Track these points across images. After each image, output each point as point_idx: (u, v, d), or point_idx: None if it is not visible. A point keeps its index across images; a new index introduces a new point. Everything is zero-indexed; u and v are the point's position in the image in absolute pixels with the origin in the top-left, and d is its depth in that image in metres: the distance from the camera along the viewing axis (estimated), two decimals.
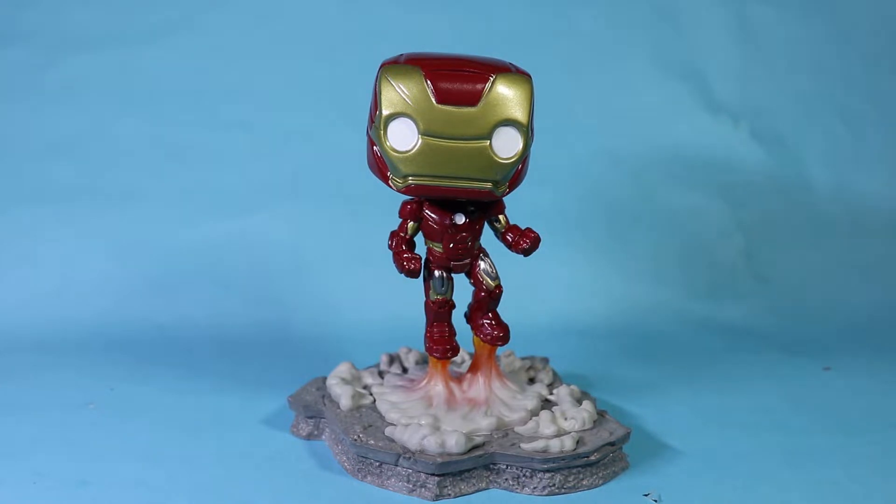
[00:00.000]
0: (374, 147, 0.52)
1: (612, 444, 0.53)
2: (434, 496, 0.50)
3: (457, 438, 0.50)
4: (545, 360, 0.64)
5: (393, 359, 0.63)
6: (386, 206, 0.60)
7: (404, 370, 0.62)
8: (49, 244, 0.79)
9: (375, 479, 0.51)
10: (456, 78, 0.50)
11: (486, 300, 0.55)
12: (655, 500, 0.50)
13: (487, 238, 0.55)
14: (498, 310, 0.56)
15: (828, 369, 0.72)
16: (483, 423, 0.53)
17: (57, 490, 0.49)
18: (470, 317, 0.57)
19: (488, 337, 0.56)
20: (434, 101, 0.50)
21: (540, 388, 0.59)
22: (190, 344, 0.73)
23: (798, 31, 0.92)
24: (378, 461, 0.51)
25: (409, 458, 0.50)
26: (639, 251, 0.86)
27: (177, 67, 0.84)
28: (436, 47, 0.59)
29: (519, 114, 0.51)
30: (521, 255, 0.55)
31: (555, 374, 0.63)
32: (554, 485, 0.51)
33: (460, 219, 0.53)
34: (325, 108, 0.85)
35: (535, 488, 0.51)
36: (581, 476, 0.52)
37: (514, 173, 0.52)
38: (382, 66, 0.52)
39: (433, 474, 0.50)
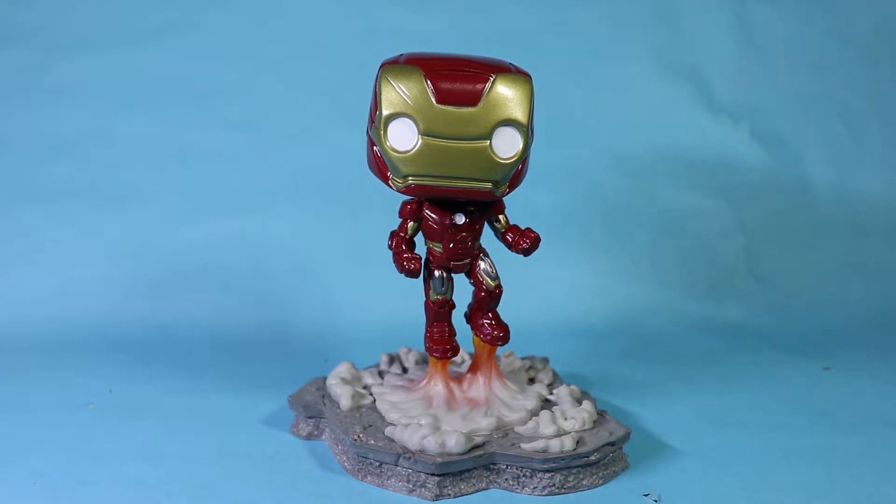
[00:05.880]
0: (374, 147, 0.52)
1: (612, 444, 0.53)
2: (434, 496, 0.50)
3: (457, 438, 0.50)
4: (545, 360, 0.64)
5: (393, 359, 0.63)
6: (386, 206, 0.60)
7: (404, 370, 0.62)
8: (49, 244, 0.79)
9: (375, 479, 0.51)
10: (456, 78, 0.50)
11: (486, 300, 0.55)
12: (655, 500, 0.50)
13: (487, 238, 0.55)
14: (498, 310, 0.56)
15: (828, 369, 0.72)
16: (483, 423, 0.53)
17: (57, 490, 0.49)
18: (470, 317, 0.57)
19: (488, 337, 0.56)
20: (434, 101, 0.50)
21: (540, 388, 0.59)
22: (190, 344, 0.73)
23: (798, 31, 0.92)
24: (378, 461, 0.51)
25: (409, 458, 0.50)
26: (639, 251, 0.86)
27: (177, 67, 0.84)
28: (436, 47, 0.59)
29: (519, 114, 0.51)
30: (521, 255, 0.55)
31: (555, 374, 0.63)
32: (554, 485, 0.51)
33: (460, 219, 0.53)
34: (325, 108, 0.85)
35: (535, 488, 0.51)
36: (581, 476, 0.52)
37: (514, 173, 0.52)
38: (382, 66, 0.52)
39: (433, 474, 0.50)
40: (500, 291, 0.55)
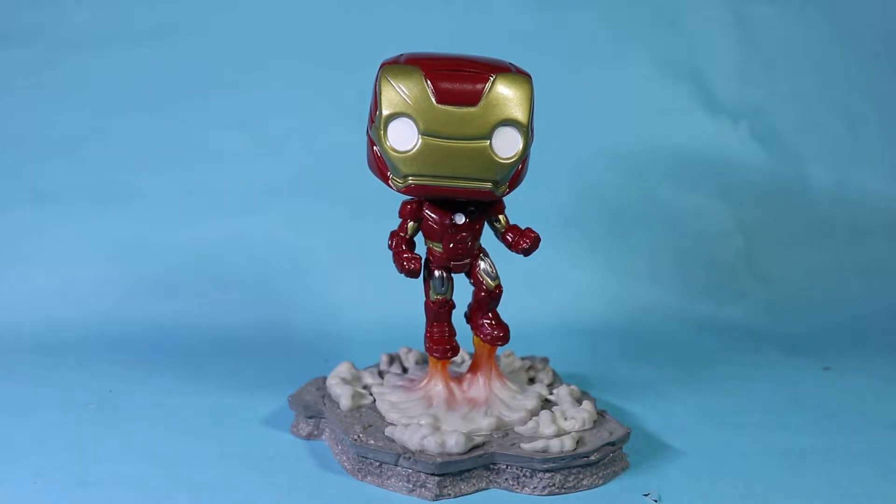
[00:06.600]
0: (374, 147, 0.52)
1: (612, 444, 0.53)
2: (434, 496, 0.50)
3: (457, 438, 0.50)
4: (545, 360, 0.64)
5: (393, 359, 0.63)
6: (386, 206, 0.60)
7: (404, 370, 0.62)
8: (49, 244, 0.79)
9: (375, 479, 0.51)
10: (456, 78, 0.50)
11: (486, 300, 0.55)
12: (655, 500, 0.50)
13: (487, 238, 0.55)
14: (498, 310, 0.56)
15: (828, 369, 0.72)
16: (483, 423, 0.53)
17: (57, 490, 0.49)
18: (470, 317, 0.57)
19: (488, 337, 0.56)
20: (434, 101, 0.50)
21: (540, 388, 0.59)
22: (190, 344, 0.73)
23: (798, 31, 0.92)
24: (378, 461, 0.51)
25: (409, 458, 0.50)
26: (639, 251, 0.86)
27: (177, 67, 0.84)
28: (436, 47, 0.59)
29: (519, 114, 0.51)
30: (521, 255, 0.55)
31: (555, 374, 0.63)
32: (554, 485, 0.51)
33: (460, 219, 0.53)
34: (325, 108, 0.85)
35: (535, 488, 0.51)
36: (581, 476, 0.52)
37: (514, 173, 0.52)
38: (382, 66, 0.52)
39: (433, 474, 0.50)
40: (500, 291, 0.55)
